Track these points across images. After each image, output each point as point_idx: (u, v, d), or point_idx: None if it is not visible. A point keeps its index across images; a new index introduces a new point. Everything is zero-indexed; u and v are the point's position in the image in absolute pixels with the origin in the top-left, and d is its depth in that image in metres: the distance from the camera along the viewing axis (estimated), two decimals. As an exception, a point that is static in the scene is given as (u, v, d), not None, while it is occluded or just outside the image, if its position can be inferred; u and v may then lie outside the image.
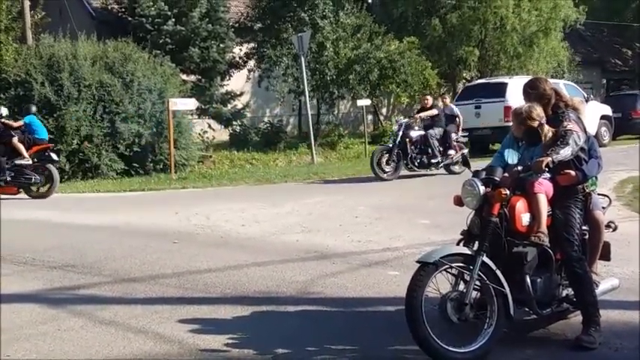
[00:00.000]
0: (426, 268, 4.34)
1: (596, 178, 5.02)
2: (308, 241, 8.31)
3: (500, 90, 18.50)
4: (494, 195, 4.53)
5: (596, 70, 36.24)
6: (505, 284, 4.43)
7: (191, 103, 17.74)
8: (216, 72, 21.36)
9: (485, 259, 4.44)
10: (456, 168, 14.91)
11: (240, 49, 22.82)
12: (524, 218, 4.64)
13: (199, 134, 20.10)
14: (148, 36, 19.66)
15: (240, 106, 22.55)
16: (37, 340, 5.02)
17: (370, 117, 26.70)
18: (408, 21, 27.52)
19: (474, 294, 4.48)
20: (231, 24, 21.97)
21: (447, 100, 16.48)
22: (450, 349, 4.26)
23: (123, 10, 21.37)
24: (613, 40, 38.80)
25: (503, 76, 22.16)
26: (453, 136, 15.04)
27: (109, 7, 22.17)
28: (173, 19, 19.90)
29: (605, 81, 36.80)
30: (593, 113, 19.21)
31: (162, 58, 18.67)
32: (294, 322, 5.36)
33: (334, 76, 22.90)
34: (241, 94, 22.62)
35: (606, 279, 5.26)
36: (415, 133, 14.61)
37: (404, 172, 14.59)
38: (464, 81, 28.16)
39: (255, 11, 23.80)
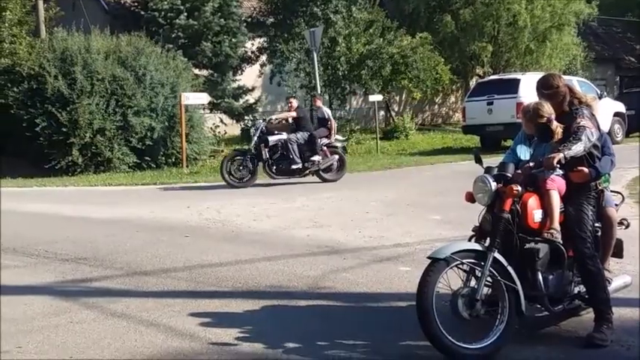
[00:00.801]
0: (437, 264, 4.33)
1: (609, 175, 4.98)
2: (319, 236, 8.31)
3: (512, 86, 18.39)
4: (506, 191, 4.51)
5: (610, 67, 36.06)
6: (517, 281, 4.41)
7: (203, 98, 17.79)
8: (228, 67, 21.43)
9: (497, 255, 4.42)
10: (329, 175, 13.79)
11: (253, 44, 22.88)
12: (537, 215, 4.61)
13: (211, 128, 20.18)
14: (160, 30, 19.74)
15: (251, 101, 22.61)
16: (50, 332, 5.06)
17: (382, 113, 26.62)
18: (421, 16, 27.50)
19: (486, 290, 4.46)
20: (243, 18, 22.03)
21: (319, 103, 14.99)
22: (461, 345, 4.25)
23: (136, 4, 21.44)
24: (626, 37, 38.56)
25: (516, 73, 22.05)
26: (324, 140, 13.74)
27: (122, 2, 22.27)
28: (186, 14, 19.97)
29: (618, 78, 36.57)
30: (607, 110, 19.07)
31: (174, 53, 18.74)
32: (305, 317, 5.37)
33: (346, 72, 22.89)
34: (253, 89, 22.69)
35: (619, 276, 5.23)
36: (273, 138, 13.50)
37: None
38: (476, 77, 28.07)
39: (268, 6, 23.85)
